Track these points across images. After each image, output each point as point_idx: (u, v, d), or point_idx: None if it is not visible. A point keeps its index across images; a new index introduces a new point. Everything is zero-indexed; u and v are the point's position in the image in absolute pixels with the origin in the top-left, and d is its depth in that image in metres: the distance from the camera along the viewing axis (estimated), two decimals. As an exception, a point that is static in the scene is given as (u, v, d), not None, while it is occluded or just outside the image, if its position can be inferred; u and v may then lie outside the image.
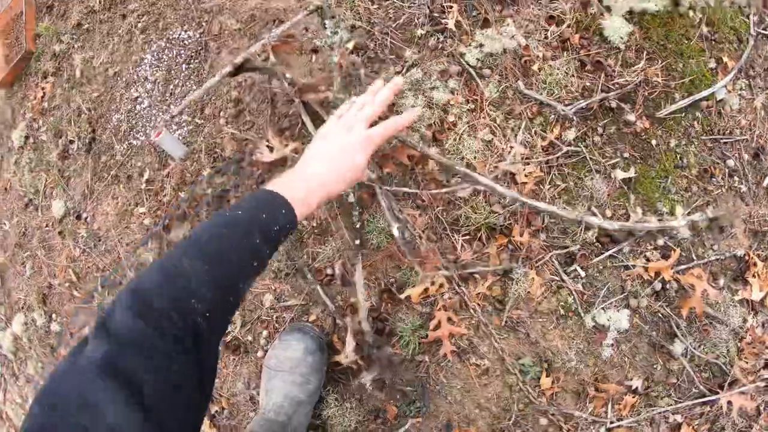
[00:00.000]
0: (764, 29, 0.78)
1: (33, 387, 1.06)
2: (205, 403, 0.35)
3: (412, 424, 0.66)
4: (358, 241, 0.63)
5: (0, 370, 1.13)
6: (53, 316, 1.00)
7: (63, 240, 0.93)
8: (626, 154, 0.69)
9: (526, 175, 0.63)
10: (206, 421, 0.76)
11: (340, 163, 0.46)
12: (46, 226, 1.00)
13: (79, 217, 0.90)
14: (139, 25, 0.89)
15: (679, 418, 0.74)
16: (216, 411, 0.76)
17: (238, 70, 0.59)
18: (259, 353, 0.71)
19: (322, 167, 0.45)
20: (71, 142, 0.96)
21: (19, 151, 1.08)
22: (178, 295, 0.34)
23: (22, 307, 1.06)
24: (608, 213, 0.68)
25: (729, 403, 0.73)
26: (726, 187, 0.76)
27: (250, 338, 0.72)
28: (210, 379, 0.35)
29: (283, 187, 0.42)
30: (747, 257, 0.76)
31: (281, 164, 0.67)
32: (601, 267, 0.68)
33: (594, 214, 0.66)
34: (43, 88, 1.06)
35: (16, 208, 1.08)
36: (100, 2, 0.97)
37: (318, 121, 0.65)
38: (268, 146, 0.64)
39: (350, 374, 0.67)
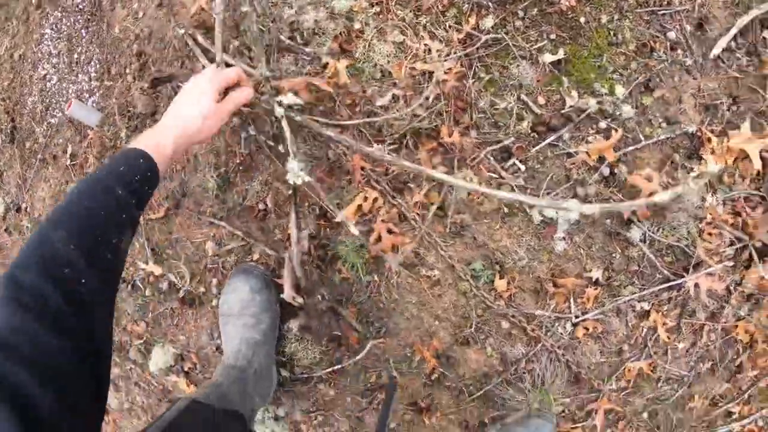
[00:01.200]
0: None
1: None
2: (101, 390, 0.33)
3: (374, 344, 0.66)
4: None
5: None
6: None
7: (11, 236, 0.92)
8: (553, 36, 0.65)
9: (446, 72, 0.60)
10: (182, 379, 0.77)
11: (187, 109, 0.49)
12: (-9, 226, 0.99)
13: (18, 210, 0.89)
14: (34, 1, 0.84)
15: (645, 305, 0.73)
16: (189, 367, 0.77)
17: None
18: (214, 302, 0.71)
19: (171, 115, 0.48)
20: (-5, 136, 0.93)
21: (-59, 158, 1.04)
22: (47, 265, 0.32)
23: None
24: (541, 100, 0.65)
25: (696, 285, 0.72)
26: (669, 61, 0.72)
27: (202, 290, 0.72)
28: (103, 358, 0.33)
29: (138, 142, 0.45)
30: (699, 133, 0.73)
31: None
32: (541, 158, 0.66)
33: (526, 105, 0.63)
34: (-50, 88, 1.01)
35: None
36: (-5, -12, 0.91)
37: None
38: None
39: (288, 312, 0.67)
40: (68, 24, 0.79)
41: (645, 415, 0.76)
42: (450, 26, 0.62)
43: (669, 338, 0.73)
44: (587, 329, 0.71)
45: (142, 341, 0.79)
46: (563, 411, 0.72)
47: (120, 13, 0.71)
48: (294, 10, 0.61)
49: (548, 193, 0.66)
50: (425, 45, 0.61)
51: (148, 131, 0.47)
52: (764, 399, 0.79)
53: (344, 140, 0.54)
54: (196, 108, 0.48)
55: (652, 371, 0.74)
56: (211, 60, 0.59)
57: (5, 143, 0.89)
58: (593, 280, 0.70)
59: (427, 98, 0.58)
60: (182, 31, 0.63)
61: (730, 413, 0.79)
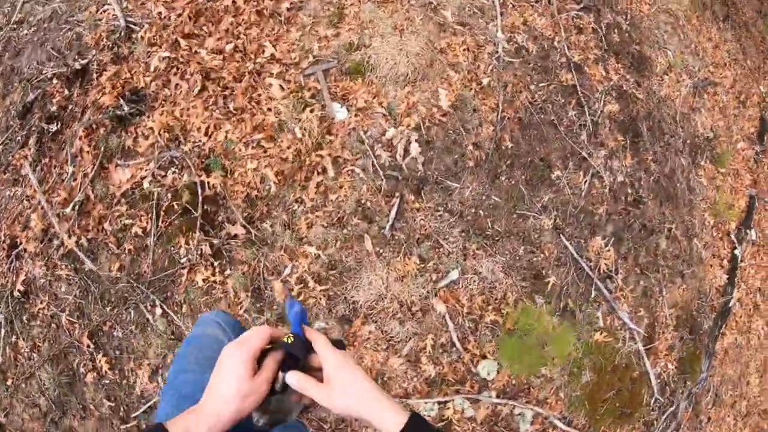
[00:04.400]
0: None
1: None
2: None
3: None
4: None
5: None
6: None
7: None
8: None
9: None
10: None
11: (225, 389, 0.46)
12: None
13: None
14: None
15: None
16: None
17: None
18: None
19: (211, 398, 0.47)
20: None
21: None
22: None
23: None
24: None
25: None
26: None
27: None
28: None
29: (173, 423, 0.45)
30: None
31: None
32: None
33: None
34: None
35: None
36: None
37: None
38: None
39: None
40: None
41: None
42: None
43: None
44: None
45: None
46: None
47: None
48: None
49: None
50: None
51: (186, 413, 0.45)
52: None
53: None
54: (232, 388, 0.45)
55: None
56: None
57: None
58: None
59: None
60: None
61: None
